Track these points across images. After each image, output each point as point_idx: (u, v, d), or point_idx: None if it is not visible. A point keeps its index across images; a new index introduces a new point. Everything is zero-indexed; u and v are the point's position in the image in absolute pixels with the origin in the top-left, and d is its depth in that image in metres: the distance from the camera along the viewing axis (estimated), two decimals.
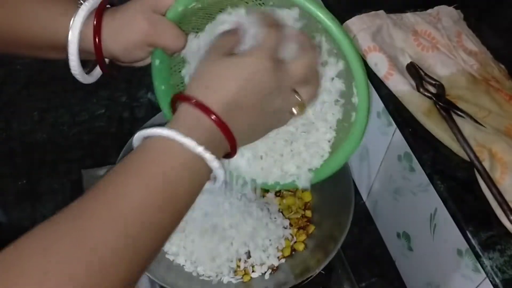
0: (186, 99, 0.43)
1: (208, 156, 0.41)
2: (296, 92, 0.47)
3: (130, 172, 0.40)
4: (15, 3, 0.51)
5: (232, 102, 0.43)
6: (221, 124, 0.42)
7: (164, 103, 0.55)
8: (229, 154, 0.45)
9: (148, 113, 0.95)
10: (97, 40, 0.50)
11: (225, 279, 0.67)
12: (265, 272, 0.69)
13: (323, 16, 0.45)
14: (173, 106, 0.45)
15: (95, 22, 0.50)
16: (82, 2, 0.50)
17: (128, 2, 0.51)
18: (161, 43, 0.50)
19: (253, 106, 0.44)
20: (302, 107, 0.48)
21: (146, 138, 0.42)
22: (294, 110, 0.47)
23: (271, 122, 0.48)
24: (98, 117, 0.96)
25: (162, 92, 0.56)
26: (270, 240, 0.70)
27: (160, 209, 0.39)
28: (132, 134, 0.77)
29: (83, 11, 0.49)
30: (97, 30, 0.50)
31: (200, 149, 0.40)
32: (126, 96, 0.99)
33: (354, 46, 0.46)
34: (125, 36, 0.50)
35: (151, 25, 0.49)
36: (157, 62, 0.53)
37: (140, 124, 0.81)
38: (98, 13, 0.50)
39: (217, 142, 0.43)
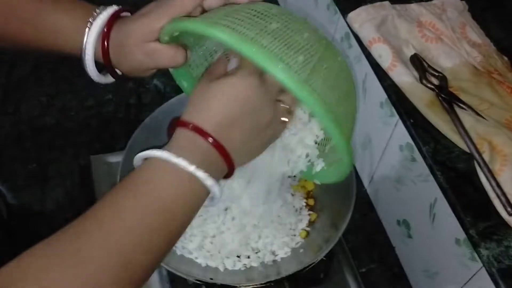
0: (183, 124, 0.45)
1: (201, 175, 0.43)
2: (280, 100, 0.49)
3: (126, 193, 0.42)
4: (42, 16, 0.53)
5: (224, 121, 0.45)
6: (217, 145, 0.44)
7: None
8: (228, 174, 0.47)
9: (155, 99, 0.97)
10: (106, 54, 0.53)
11: (229, 263, 0.69)
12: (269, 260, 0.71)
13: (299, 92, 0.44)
14: (172, 132, 0.47)
15: (104, 43, 0.53)
16: (97, 12, 0.53)
17: (126, 31, 0.52)
18: (161, 66, 0.54)
19: (245, 122, 0.46)
20: (290, 113, 0.50)
21: (145, 159, 0.44)
22: (284, 118, 0.50)
23: (266, 137, 0.49)
24: (106, 102, 0.97)
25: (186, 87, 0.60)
26: (280, 224, 0.72)
27: (155, 230, 0.41)
28: (139, 120, 0.79)
29: (101, 20, 0.52)
30: (106, 49, 0.53)
31: (192, 168, 0.42)
32: (133, 82, 1.00)
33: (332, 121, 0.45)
34: (128, 62, 0.53)
35: (147, 56, 0.52)
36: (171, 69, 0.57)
37: (147, 110, 0.82)
38: (108, 28, 0.52)
39: (214, 163, 0.45)
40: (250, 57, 0.43)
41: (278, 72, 0.42)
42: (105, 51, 0.53)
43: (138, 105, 0.97)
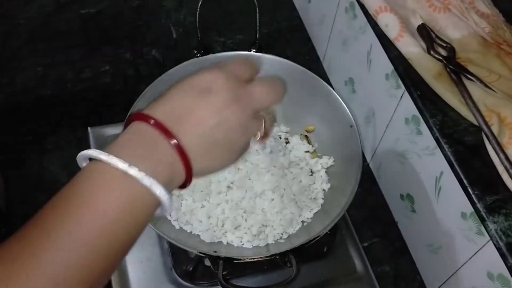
0: (131, 119, 0.38)
1: (136, 174, 0.35)
2: (258, 117, 0.44)
3: (56, 211, 0.35)
4: None
5: (178, 108, 0.39)
6: (163, 129, 0.37)
7: None
8: (186, 181, 0.39)
9: (153, 71, 0.95)
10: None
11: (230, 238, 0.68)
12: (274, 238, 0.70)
13: None
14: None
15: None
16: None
17: None
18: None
19: (209, 117, 0.39)
20: (265, 136, 0.47)
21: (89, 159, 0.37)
22: (258, 135, 0.46)
23: (236, 145, 0.42)
24: (103, 74, 0.95)
25: None
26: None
27: (94, 246, 0.34)
28: (137, 92, 0.77)
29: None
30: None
31: (124, 166, 0.35)
32: (130, 53, 0.98)
33: None
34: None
35: None
36: None
37: (145, 82, 0.80)
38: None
39: (163, 158, 0.37)
40: None
41: None
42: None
43: (136, 76, 0.95)
